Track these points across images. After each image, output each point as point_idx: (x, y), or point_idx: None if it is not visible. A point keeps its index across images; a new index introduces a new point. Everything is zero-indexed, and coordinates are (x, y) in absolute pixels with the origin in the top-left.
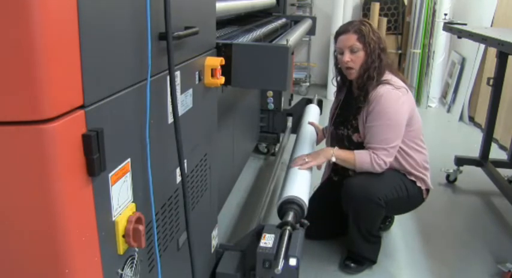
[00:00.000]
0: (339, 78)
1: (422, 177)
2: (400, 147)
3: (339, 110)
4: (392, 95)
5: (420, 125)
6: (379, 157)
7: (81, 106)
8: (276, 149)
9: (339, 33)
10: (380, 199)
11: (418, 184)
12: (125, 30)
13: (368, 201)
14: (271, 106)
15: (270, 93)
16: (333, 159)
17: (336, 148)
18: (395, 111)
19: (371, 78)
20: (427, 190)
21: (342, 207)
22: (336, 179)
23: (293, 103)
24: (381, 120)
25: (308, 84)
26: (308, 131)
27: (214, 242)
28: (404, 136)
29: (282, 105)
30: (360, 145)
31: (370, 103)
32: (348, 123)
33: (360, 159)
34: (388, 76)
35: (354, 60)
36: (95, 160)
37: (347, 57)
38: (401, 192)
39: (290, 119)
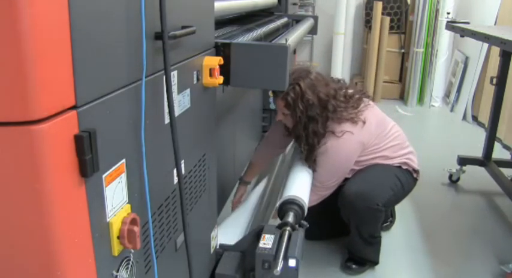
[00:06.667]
0: None
1: (404, 161)
2: (366, 158)
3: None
4: (336, 148)
5: (381, 132)
6: (316, 194)
7: (73, 107)
8: None
9: None
10: (379, 205)
11: (404, 167)
12: (119, 29)
13: (367, 209)
14: (273, 105)
15: (271, 93)
16: None
17: None
18: (339, 162)
19: (299, 146)
20: (415, 171)
21: (341, 214)
22: None
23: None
24: (325, 166)
25: None
26: None
27: (214, 242)
28: (370, 152)
29: None
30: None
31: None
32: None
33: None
34: (330, 125)
35: (286, 120)
36: (88, 161)
37: (279, 116)
38: (397, 187)
39: None
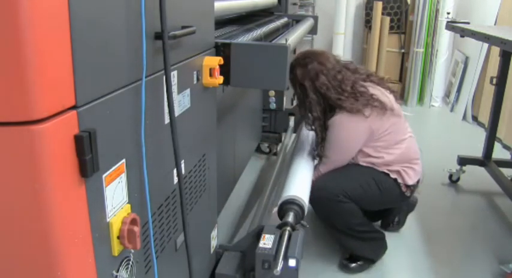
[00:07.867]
0: None
1: (397, 169)
2: (368, 152)
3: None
4: (347, 124)
5: (394, 136)
6: (326, 166)
7: (74, 107)
8: (278, 149)
9: None
10: (338, 196)
11: (393, 175)
12: (119, 29)
13: (327, 200)
14: (273, 105)
15: (272, 93)
16: None
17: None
18: (346, 139)
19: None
20: (407, 186)
21: None
22: None
23: (295, 102)
24: (333, 143)
25: None
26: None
27: (214, 242)
28: (372, 146)
29: (284, 104)
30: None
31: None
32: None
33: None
34: (346, 102)
35: None
36: (88, 161)
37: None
38: (370, 187)
39: (292, 118)
